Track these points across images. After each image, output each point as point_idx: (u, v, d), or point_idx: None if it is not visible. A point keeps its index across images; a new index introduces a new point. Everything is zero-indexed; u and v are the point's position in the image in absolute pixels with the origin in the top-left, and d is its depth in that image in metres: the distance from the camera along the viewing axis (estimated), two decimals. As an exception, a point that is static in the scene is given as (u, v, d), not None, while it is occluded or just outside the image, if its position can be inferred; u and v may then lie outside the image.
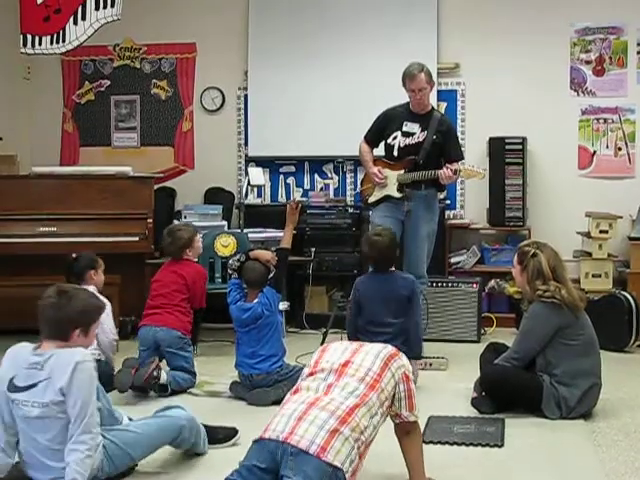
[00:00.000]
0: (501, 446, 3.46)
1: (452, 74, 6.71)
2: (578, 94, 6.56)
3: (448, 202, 6.64)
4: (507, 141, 6.36)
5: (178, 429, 3.14)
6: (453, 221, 6.63)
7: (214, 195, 6.92)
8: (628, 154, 6.50)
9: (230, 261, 4.49)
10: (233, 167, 7.09)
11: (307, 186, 6.97)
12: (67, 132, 7.28)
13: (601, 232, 6.05)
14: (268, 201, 7.00)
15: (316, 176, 6.97)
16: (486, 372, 4.07)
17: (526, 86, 6.54)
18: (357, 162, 6.42)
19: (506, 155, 6.35)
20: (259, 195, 7.01)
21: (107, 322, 4.33)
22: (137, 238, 5.82)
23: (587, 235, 6.16)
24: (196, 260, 4.99)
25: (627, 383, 4.54)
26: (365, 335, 4.28)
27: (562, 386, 3.83)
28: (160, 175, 6.88)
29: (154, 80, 7.16)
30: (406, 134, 5.07)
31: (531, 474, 3.18)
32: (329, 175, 6.96)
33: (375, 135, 5.22)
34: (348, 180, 6.92)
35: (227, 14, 6.97)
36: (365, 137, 5.26)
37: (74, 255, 4.61)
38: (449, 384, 4.54)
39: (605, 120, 6.51)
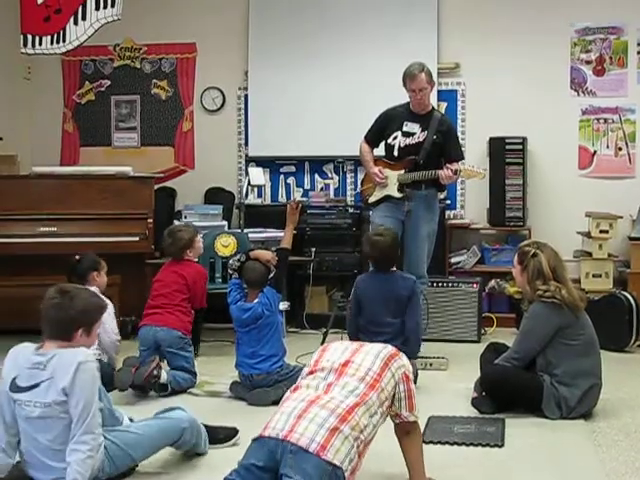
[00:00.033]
0: (501, 446, 3.46)
1: (452, 74, 6.71)
2: (578, 94, 6.56)
3: (448, 202, 6.64)
4: (507, 141, 6.36)
5: (180, 431, 3.14)
6: (453, 221, 6.63)
7: (214, 195, 6.92)
8: (628, 154, 6.50)
9: (230, 261, 4.49)
10: (233, 167, 7.09)
11: (307, 186, 6.97)
12: (67, 132, 7.29)
13: (601, 232, 6.05)
14: (268, 201, 7.00)
15: (316, 176, 6.97)
16: (486, 372, 4.07)
17: (526, 86, 6.54)
18: (357, 162, 6.42)
19: (506, 155, 6.35)
20: (259, 195, 7.01)
21: (109, 323, 4.36)
22: (137, 238, 5.81)
23: (587, 235, 6.16)
24: (197, 260, 4.99)
25: (627, 383, 4.54)
26: (365, 335, 4.29)
27: (562, 386, 3.83)
28: (160, 175, 6.88)
29: (154, 80, 7.17)
30: (406, 134, 5.07)
31: (531, 474, 3.18)
32: (329, 175, 6.96)
33: (375, 135, 5.22)
34: (348, 180, 6.92)
35: (227, 14, 6.98)
36: (365, 137, 5.27)
37: (77, 257, 4.62)
38: (449, 384, 4.54)
39: (605, 120, 6.51)
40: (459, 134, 5.98)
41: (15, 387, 2.83)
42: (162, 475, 3.14)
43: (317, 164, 6.94)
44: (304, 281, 6.30)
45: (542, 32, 6.51)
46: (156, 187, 6.35)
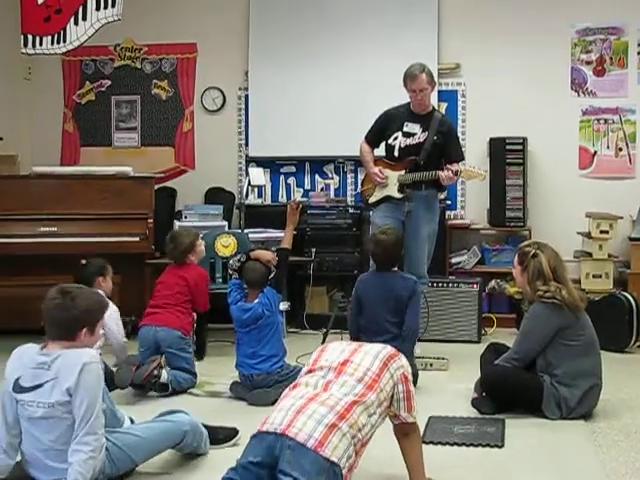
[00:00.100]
0: (501, 446, 3.46)
1: (453, 74, 6.71)
2: (579, 94, 6.56)
3: (449, 202, 6.65)
4: (508, 141, 6.36)
5: (181, 434, 3.14)
6: (454, 221, 6.63)
7: (215, 195, 6.92)
8: (629, 154, 6.50)
9: (231, 261, 4.49)
10: (234, 167, 7.09)
11: (308, 186, 6.97)
12: (68, 132, 7.29)
13: (601, 232, 6.05)
14: (269, 201, 7.00)
15: (317, 176, 6.97)
16: (486, 372, 4.07)
17: (527, 86, 6.54)
18: (358, 162, 6.42)
19: (507, 155, 6.35)
20: (260, 195, 7.01)
21: (116, 326, 4.43)
22: (137, 238, 5.81)
23: (587, 235, 6.16)
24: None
25: (628, 384, 4.54)
26: (365, 335, 4.30)
27: (562, 386, 3.83)
28: (161, 175, 6.88)
29: (155, 80, 7.17)
30: (407, 134, 5.07)
31: (531, 474, 3.18)
32: (330, 175, 6.96)
33: (376, 135, 5.22)
34: (349, 180, 6.92)
35: (228, 14, 6.98)
36: (366, 137, 5.26)
37: (83, 261, 4.63)
38: (449, 384, 4.54)
39: (606, 120, 6.51)
40: (459, 134, 5.98)
41: (18, 387, 2.83)
42: (162, 475, 3.14)
43: (317, 164, 6.94)
44: (304, 281, 6.30)
45: (542, 32, 6.51)
46: (156, 187, 6.35)
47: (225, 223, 6.28)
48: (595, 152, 6.55)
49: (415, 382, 4.16)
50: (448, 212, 6.60)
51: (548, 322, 3.88)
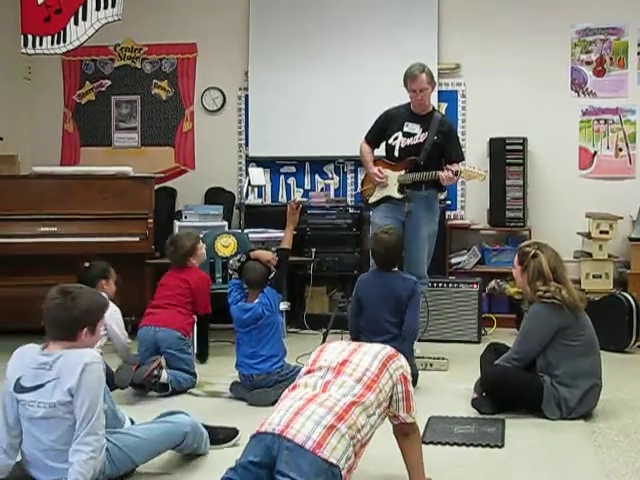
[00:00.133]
0: (501, 447, 3.46)
1: (453, 74, 6.71)
2: (579, 95, 6.56)
3: (449, 203, 6.65)
4: (508, 142, 6.36)
5: (182, 435, 3.14)
6: (454, 222, 6.63)
7: (215, 195, 6.92)
8: (629, 155, 6.50)
9: (231, 261, 4.49)
10: (234, 167, 7.09)
11: (308, 186, 6.97)
12: (68, 132, 7.29)
13: (601, 233, 6.05)
14: (269, 201, 7.00)
15: (317, 176, 6.97)
16: (486, 373, 4.07)
17: (527, 87, 6.54)
18: (358, 162, 6.42)
19: (507, 156, 6.36)
20: (260, 195, 7.01)
21: (118, 327, 4.43)
22: (137, 238, 5.81)
23: (587, 236, 6.16)
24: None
25: (627, 384, 4.54)
26: (365, 335, 4.30)
27: (562, 387, 3.83)
28: (161, 175, 6.88)
29: (155, 80, 7.17)
30: (407, 135, 5.07)
31: (531, 475, 3.18)
32: (330, 175, 6.96)
33: (376, 135, 5.22)
34: (349, 180, 6.92)
35: (228, 14, 6.98)
36: (366, 137, 5.26)
37: (86, 264, 4.63)
38: (449, 385, 4.54)
39: (606, 121, 6.51)
40: (459, 135, 5.98)
41: (19, 387, 2.83)
42: (162, 476, 3.14)
43: (317, 164, 6.94)
44: (304, 281, 6.30)
45: (542, 32, 6.51)
46: (156, 187, 6.35)
47: (225, 223, 6.28)
48: (595, 152, 6.55)
49: (415, 382, 4.17)
50: (448, 212, 6.60)
51: (548, 322, 3.88)
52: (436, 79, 5.48)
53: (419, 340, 4.98)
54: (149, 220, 5.89)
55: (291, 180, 7.00)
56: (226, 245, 5.58)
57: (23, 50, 5.27)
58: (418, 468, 2.91)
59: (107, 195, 5.92)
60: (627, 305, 5.45)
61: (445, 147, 5.06)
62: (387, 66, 6.31)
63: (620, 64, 6.48)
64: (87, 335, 2.89)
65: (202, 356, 5.07)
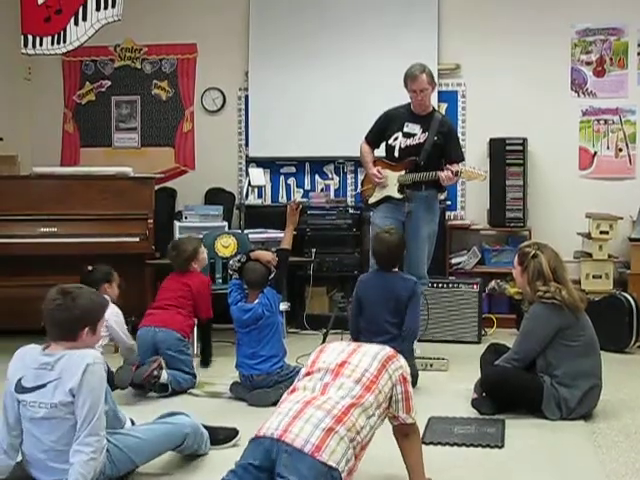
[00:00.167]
0: (501, 447, 3.46)
1: (453, 75, 6.71)
2: (579, 95, 6.56)
3: (449, 203, 6.65)
4: (508, 142, 6.36)
5: (182, 437, 3.14)
6: (454, 222, 6.63)
7: (215, 196, 6.92)
8: (629, 155, 6.50)
9: (231, 262, 4.49)
10: (234, 168, 7.09)
11: (308, 187, 6.97)
12: (68, 132, 7.29)
13: (601, 233, 6.05)
14: (269, 202, 7.00)
15: (317, 177, 6.97)
16: (487, 373, 4.07)
17: (527, 87, 6.54)
18: (358, 163, 6.42)
19: (507, 156, 6.35)
20: (260, 196, 7.01)
21: (121, 330, 4.46)
22: (137, 239, 5.81)
23: (587, 236, 6.16)
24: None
25: (627, 384, 4.54)
26: (365, 335, 4.30)
27: (562, 387, 3.83)
28: (161, 175, 6.87)
29: (155, 81, 7.17)
30: (407, 135, 5.07)
31: (531, 475, 3.18)
32: (330, 176, 6.96)
33: (376, 136, 5.22)
34: (349, 181, 6.92)
35: (228, 14, 6.98)
36: (366, 138, 5.26)
37: (89, 267, 4.63)
38: (449, 385, 4.54)
39: (606, 121, 6.51)
40: (459, 135, 5.98)
41: (20, 388, 2.83)
42: (162, 476, 3.14)
43: (317, 165, 6.94)
44: (304, 282, 6.30)
45: (542, 33, 6.51)
46: (156, 187, 6.35)
47: (225, 223, 6.29)
48: (595, 153, 6.55)
49: (415, 383, 4.17)
50: (448, 212, 6.60)
51: (548, 323, 3.88)
52: (436, 79, 5.48)
53: (419, 340, 4.99)
54: (149, 220, 5.88)
55: (291, 180, 7.00)
56: (226, 245, 5.58)
57: (23, 50, 5.27)
58: (418, 468, 2.91)
59: (107, 195, 5.92)
60: (627, 305, 5.45)
61: (445, 147, 5.06)
62: (387, 66, 6.32)
63: (620, 64, 6.48)
64: (88, 335, 2.90)
65: (205, 361, 5.00)
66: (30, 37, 5.22)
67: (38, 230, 5.71)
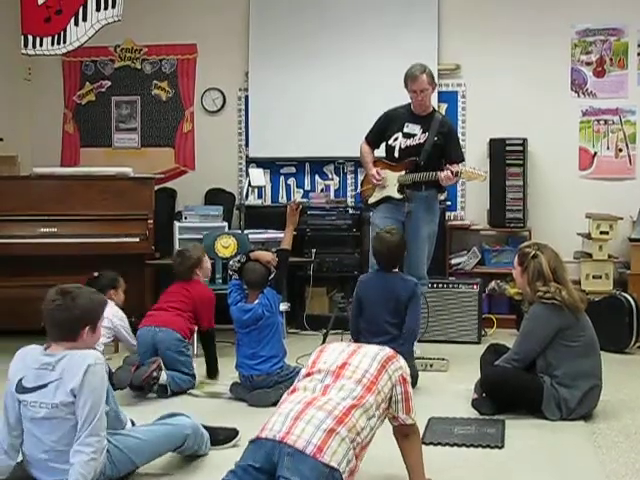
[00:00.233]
0: (501, 447, 3.46)
1: (453, 75, 6.71)
2: (579, 95, 6.56)
3: (449, 203, 6.64)
4: (508, 142, 6.36)
5: (183, 438, 3.15)
6: (454, 222, 6.63)
7: (215, 196, 6.92)
8: (629, 155, 6.50)
9: (231, 262, 4.49)
10: (234, 168, 7.09)
11: (308, 187, 6.97)
12: (68, 133, 7.29)
13: (601, 233, 6.05)
14: (269, 202, 7.00)
15: (317, 177, 6.97)
16: (486, 373, 4.07)
17: (527, 87, 6.54)
18: (358, 163, 6.42)
19: (507, 156, 6.35)
20: (260, 196, 7.01)
21: (127, 334, 4.56)
22: (137, 239, 5.81)
23: (587, 236, 6.16)
24: (205, 280, 4.97)
25: (628, 384, 4.54)
26: (365, 336, 4.30)
27: (562, 387, 3.83)
28: (161, 176, 6.88)
29: (155, 81, 7.17)
30: (407, 135, 5.07)
31: (531, 475, 3.18)
32: (330, 176, 6.96)
33: (376, 136, 5.22)
34: (349, 181, 6.92)
35: (228, 15, 6.98)
36: (366, 138, 5.27)
37: (95, 274, 4.63)
38: (449, 385, 4.54)
39: (606, 121, 6.51)
40: (459, 135, 5.97)
41: (21, 388, 2.83)
42: (162, 477, 3.14)
43: (317, 165, 6.94)
44: (304, 282, 6.30)
45: (542, 33, 6.51)
46: (156, 188, 6.35)
47: (225, 224, 6.29)
48: (595, 153, 6.55)
49: (415, 383, 4.17)
50: (448, 213, 6.60)
51: (548, 323, 3.88)
52: (436, 80, 5.48)
53: (419, 341, 4.99)
54: (149, 221, 5.89)
55: (291, 181, 7.00)
56: (226, 246, 5.58)
57: (23, 51, 5.27)
58: (418, 469, 2.91)
59: (107, 196, 5.92)
60: (627, 306, 5.45)
61: (445, 148, 5.06)
62: (387, 66, 6.32)
63: (620, 65, 6.48)
64: (89, 334, 2.90)
65: (212, 373, 4.76)
66: (30, 37, 5.22)
67: (38, 230, 5.71)
